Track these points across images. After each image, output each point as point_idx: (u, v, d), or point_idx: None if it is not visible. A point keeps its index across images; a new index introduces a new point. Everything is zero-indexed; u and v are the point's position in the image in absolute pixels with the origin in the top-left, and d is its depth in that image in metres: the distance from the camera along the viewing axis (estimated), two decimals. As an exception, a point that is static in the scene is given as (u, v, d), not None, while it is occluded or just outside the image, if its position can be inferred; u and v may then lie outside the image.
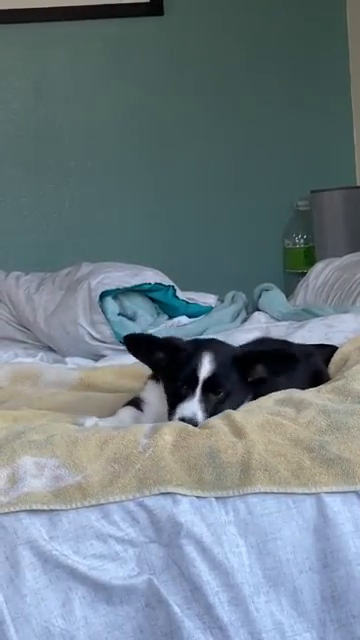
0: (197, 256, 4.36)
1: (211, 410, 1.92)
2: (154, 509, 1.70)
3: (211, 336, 2.59)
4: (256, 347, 2.15)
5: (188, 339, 2.11)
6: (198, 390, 1.92)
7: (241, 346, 2.15)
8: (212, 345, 2.02)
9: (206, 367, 1.93)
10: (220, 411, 1.92)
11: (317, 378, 2.21)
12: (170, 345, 2.01)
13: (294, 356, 2.01)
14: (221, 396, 1.94)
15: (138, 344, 2.05)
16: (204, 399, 1.92)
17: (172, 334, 2.97)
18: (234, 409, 1.95)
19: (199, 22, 4.32)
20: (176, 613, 1.66)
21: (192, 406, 1.91)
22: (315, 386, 2.13)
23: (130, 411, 2.03)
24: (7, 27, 4.13)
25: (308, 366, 2.22)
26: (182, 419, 1.89)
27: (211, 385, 1.93)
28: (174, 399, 1.94)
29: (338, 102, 4.49)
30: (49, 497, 1.70)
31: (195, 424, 1.88)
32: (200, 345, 2.00)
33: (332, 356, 2.35)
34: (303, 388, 2.10)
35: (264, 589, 1.70)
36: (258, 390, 2.04)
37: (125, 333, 2.11)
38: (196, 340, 2.11)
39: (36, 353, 3.11)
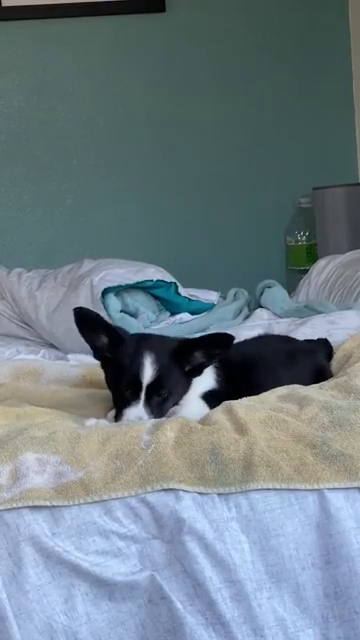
0: (199, 253, 4.36)
1: (156, 409, 1.94)
2: (156, 505, 1.70)
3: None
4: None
5: (132, 333, 2.09)
6: (142, 395, 1.93)
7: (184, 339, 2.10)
8: (152, 344, 1.99)
9: (148, 371, 1.93)
10: (164, 408, 1.95)
11: (320, 375, 2.20)
12: (114, 333, 2.00)
13: (228, 335, 2.00)
14: (164, 395, 1.95)
15: (86, 320, 2.02)
16: (148, 402, 1.93)
17: (174, 331, 2.97)
18: (176, 401, 1.97)
19: (201, 19, 4.32)
20: (179, 609, 1.66)
21: (137, 412, 1.92)
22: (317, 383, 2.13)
23: None
24: (9, 24, 4.13)
25: (312, 363, 2.23)
26: None
27: (154, 388, 1.93)
28: (119, 403, 1.96)
29: (340, 99, 4.50)
30: (51, 493, 1.70)
31: None
32: (140, 345, 1.97)
33: (326, 350, 2.35)
34: (306, 384, 2.10)
35: (267, 585, 1.70)
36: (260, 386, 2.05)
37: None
38: (136, 337, 2.07)
39: (38, 350, 3.11)
